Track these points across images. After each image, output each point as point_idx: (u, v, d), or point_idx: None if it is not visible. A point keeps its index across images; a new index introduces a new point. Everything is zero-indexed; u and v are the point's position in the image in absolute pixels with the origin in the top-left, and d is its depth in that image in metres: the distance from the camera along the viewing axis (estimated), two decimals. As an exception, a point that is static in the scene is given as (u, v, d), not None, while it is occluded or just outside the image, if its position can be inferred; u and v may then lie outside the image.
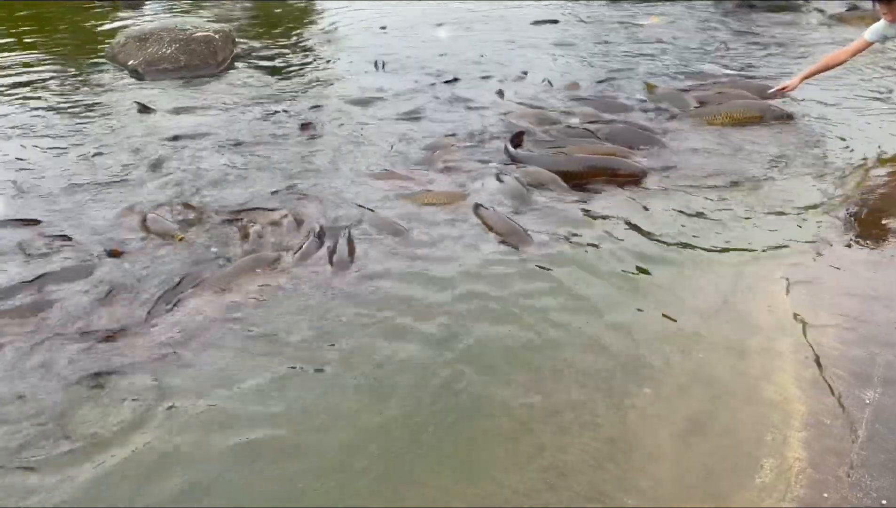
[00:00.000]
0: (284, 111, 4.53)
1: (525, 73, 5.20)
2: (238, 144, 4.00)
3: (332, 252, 2.82)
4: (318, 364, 2.25)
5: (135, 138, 4.09)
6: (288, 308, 2.53)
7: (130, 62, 5.56)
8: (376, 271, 2.74)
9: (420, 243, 2.93)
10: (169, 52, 5.58)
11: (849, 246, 2.81)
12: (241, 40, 6.42)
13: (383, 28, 6.87)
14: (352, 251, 2.84)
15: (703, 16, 7.31)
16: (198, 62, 5.59)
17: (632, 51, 5.87)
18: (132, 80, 5.35)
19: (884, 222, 2.99)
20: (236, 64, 5.76)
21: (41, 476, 1.86)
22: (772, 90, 4.45)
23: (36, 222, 3.11)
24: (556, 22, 6.96)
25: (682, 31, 6.61)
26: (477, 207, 3.20)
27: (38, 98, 4.86)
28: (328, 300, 2.57)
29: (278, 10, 8.69)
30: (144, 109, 4.60)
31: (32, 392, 2.14)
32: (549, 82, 4.95)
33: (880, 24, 4.23)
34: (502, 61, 5.60)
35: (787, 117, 4.12)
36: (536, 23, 6.92)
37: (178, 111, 4.60)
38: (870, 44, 4.32)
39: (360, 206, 3.23)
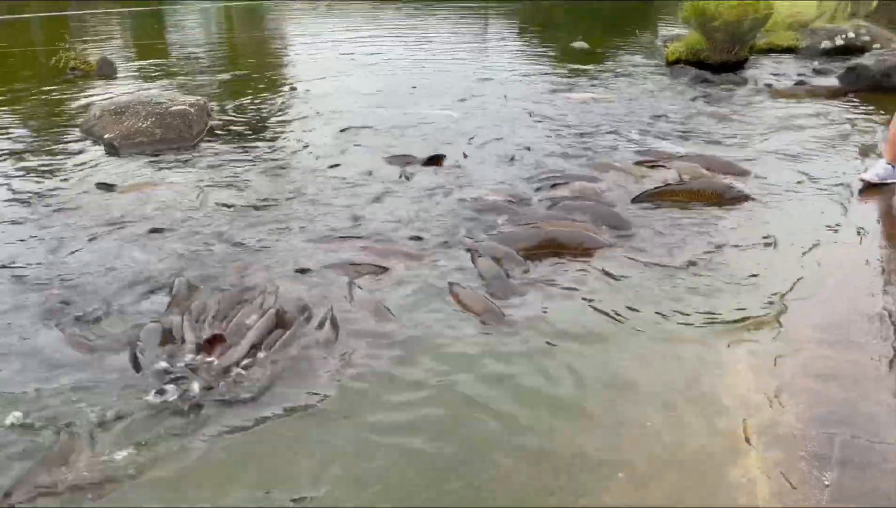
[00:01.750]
0: (253, 190, 4.63)
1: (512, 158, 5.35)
2: (201, 226, 4.04)
3: (317, 332, 2.90)
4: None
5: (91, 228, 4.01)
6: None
7: (106, 135, 5.64)
8: (359, 356, 2.81)
9: (400, 324, 3.01)
10: (145, 125, 5.68)
11: (807, 323, 2.97)
12: (217, 108, 6.57)
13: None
14: (336, 332, 2.92)
15: (661, 91, 7.68)
16: (173, 136, 5.69)
17: (585, 128, 6.13)
18: (108, 153, 5.42)
19: (840, 300, 3.16)
20: (211, 135, 5.88)
21: None
22: None
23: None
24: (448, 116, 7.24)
25: (637, 105, 6.93)
26: (451, 285, 3.31)
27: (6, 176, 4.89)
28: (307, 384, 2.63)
29: (253, 76, 8.90)
30: (106, 187, 4.62)
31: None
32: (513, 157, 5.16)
33: None
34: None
35: (745, 198, 4.28)
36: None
37: (140, 189, 4.60)
38: None
39: (349, 284, 3.32)
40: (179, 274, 3.39)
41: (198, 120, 5.94)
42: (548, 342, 2.88)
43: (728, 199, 4.25)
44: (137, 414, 2.42)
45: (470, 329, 2.99)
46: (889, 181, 4.41)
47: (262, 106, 7.09)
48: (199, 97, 6.38)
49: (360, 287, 3.25)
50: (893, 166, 4.43)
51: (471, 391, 2.58)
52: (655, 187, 4.39)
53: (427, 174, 4.88)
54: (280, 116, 6.72)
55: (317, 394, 2.56)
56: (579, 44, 11.09)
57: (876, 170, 4.46)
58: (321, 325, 2.95)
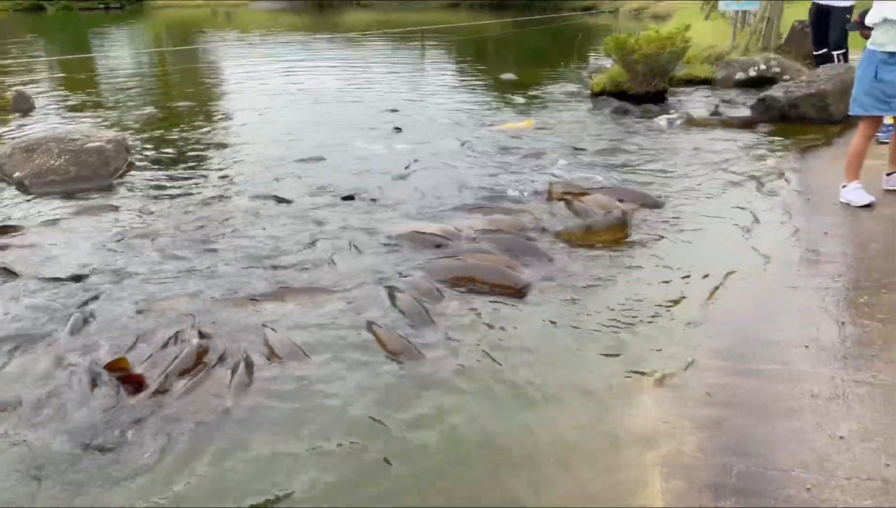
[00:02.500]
0: (167, 228, 4.53)
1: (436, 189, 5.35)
2: (106, 265, 3.95)
3: (231, 376, 2.83)
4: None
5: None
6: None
7: (17, 174, 5.44)
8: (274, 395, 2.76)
9: (314, 364, 2.97)
10: (58, 163, 5.51)
11: (712, 352, 3.05)
12: (137, 143, 6.43)
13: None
14: (250, 374, 2.86)
15: (584, 121, 7.88)
16: (88, 173, 5.53)
17: (510, 158, 6.24)
18: (17, 193, 5.23)
19: (743, 328, 3.26)
20: (130, 174, 5.74)
21: None
22: None
23: None
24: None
25: (560, 136, 7.10)
26: (370, 325, 3.29)
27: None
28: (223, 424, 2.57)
29: (179, 108, 8.76)
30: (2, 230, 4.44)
31: None
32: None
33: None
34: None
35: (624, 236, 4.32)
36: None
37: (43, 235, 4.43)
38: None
39: (263, 325, 3.26)
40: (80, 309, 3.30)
41: (116, 157, 5.79)
42: (462, 380, 2.89)
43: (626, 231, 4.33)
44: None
45: (386, 368, 2.97)
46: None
47: (187, 140, 6.98)
48: (118, 132, 6.24)
49: (273, 329, 3.20)
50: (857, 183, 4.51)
51: (382, 437, 2.56)
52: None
53: (346, 210, 4.87)
54: (204, 150, 6.62)
55: (219, 433, 2.50)
56: (508, 76, 11.33)
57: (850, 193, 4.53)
58: (234, 369, 2.88)
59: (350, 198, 5.00)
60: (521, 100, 9.32)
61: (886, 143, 5.98)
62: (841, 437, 2.37)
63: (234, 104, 9.22)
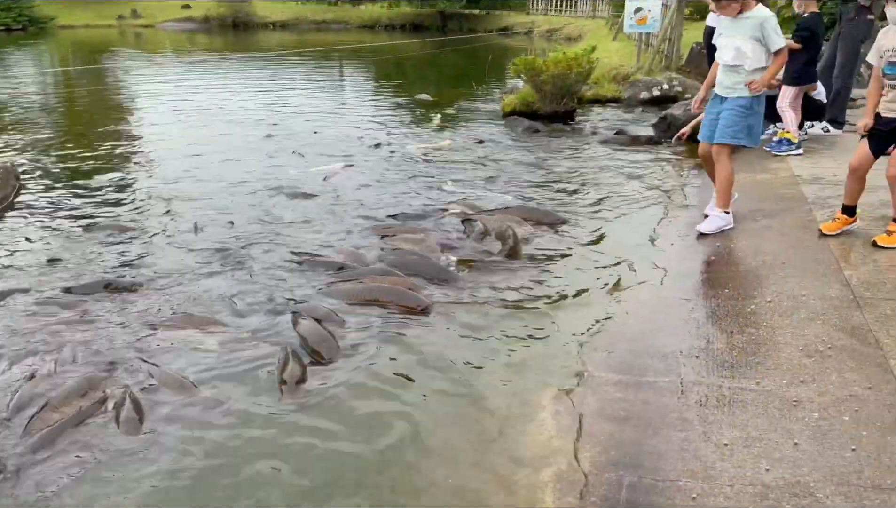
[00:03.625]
0: (54, 260, 4.31)
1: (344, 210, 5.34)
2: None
3: (117, 413, 2.70)
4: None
5: None
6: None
7: None
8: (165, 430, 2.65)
9: (203, 398, 2.87)
10: (-63, 194, 5.17)
11: (607, 366, 3.11)
12: (31, 168, 6.11)
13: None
14: (139, 411, 2.73)
15: (495, 140, 7.99)
16: (-31, 204, 5.22)
17: (420, 179, 6.26)
18: None
19: (638, 341, 3.34)
20: (17, 203, 5.44)
21: None
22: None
23: None
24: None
25: (471, 155, 7.17)
26: (282, 349, 3.21)
27: None
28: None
29: (78, 128, 8.40)
30: None
31: None
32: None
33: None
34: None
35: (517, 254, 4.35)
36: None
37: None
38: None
39: (143, 360, 3.13)
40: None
41: (3, 185, 5.49)
42: (357, 402, 2.87)
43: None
44: None
45: (273, 395, 2.91)
46: (727, 227, 4.60)
47: (82, 164, 6.69)
48: (4, 160, 5.91)
49: (155, 365, 3.07)
50: (727, 212, 4.67)
51: (268, 464, 2.49)
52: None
53: (248, 232, 4.76)
54: (101, 175, 6.36)
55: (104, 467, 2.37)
56: (423, 96, 11.40)
57: (712, 221, 4.59)
58: (119, 405, 2.74)
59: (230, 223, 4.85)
60: (435, 120, 9.39)
61: (780, 155, 6.33)
62: (725, 444, 2.44)
63: (139, 126, 8.91)
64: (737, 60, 4.35)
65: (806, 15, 6.43)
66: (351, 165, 6.64)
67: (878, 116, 3.96)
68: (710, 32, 8.95)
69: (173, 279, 4.02)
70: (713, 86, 4.64)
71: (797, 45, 6.30)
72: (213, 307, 3.69)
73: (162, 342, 3.31)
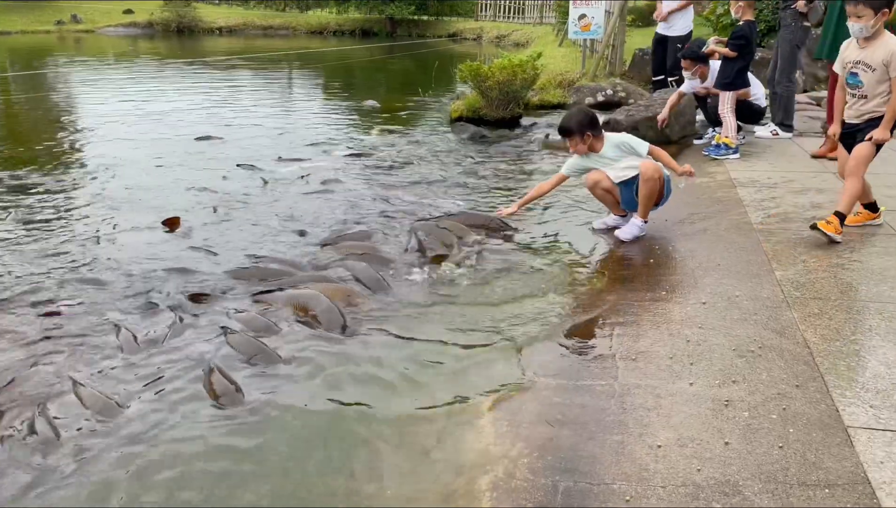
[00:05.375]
0: None
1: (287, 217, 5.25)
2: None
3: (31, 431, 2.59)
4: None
5: None
6: None
7: None
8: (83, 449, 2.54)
9: (128, 417, 2.78)
10: None
11: (546, 370, 3.12)
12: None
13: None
14: (55, 431, 2.62)
15: (442, 147, 8.00)
16: None
17: (363, 186, 6.22)
18: None
19: (576, 343, 3.36)
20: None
21: None
22: (497, 213, 4.95)
23: None
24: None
25: (417, 163, 7.16)
26: (207, 366, 3.13)
27: None
28: None
29: (20, 151, 8.10)
30: None
31: None
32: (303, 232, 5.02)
33: (573, 160, 4.91)
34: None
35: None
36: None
37: None
38: (566, 178, 4.98)
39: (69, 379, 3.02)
40: None
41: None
42: (289, 416, 2.81)
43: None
44: None
45: (206, 412, 2.84)
46: (640, 235, 4.73)
47: (14, 171, 6.45)
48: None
49: (80, 383, 2.96)
50: (645, 222, 4.75)
51: (203, 483, 2.42)
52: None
53: (182, 243, 4.66)
54: (31, 180, 6.14)
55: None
56: (371, 102, 11.35)
57: (630, 228, 4.71)
58: (31, 427, 2.64)
59: (167, 222, 4.69)
60: (380, 127, 9.35)
61: (717, 159, 6.49)
62: (659, 446, 2.47)
63: (72, 135, 8.65)
64: None
65: (741, 23, 6.62)
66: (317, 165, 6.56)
67: (843, 122, 4.25)
68: (657, 39, 9.17)
69: (91, 294, 3.89)
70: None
71: (733, 53, 6.48)
72: (147, 318, 3.58)
73: (90, 358, 3.20)
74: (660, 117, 7.20)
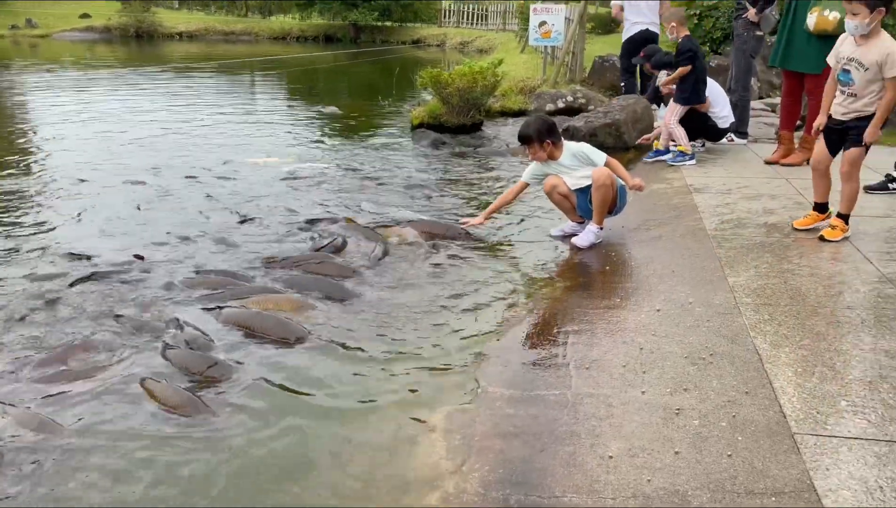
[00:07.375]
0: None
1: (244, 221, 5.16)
2: None
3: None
4: None
5: None
6: None
7: None
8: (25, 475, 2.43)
9: (69, 437, 2.67)
10: None
11: (499, 381, 3.09)
12: None
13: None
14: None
15: (402, 154, 7.96)
16: None
17: (323, 194, 6.15)
18: None
19: (529, 353, 3.34)
20: None
21: None
22: (463, 224, 4.93)
23: None
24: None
25: (377, 169, 7.10)
26: (143, 381, 3.03)
27: None
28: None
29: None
30: None
31: None
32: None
33: (532, 167, 4.90)
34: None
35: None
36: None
37: None
38: (527, 185, 4.97)
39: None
40: None
41: None
42: (236, 434, 2.73)
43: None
44: None
45: (170, 428, 2.75)
46: (597, 242, 4.72)
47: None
48: None
49: (12, 405, 2.84)
50: (601, 228, 4.75)
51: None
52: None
53: (128, 258, 4.53)
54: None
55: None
56: (330, 108, 11.26)
57: (586, 235, 4.71)
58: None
59: (140, 257, 4.57)
60: (340, 133, 9.27)
61: (674, 165, 6.55)
62: (610, 457, 2.45)
63: (25, 142, 8.41)
64: None
65: (680, 40, 6.66)
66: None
67: (829, 116, 4.24)
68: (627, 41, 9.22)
69: (47, 307, 3.77)
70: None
71: (687, 68, 6.53)
72: (82, 337, 3.47)
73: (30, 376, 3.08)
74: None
